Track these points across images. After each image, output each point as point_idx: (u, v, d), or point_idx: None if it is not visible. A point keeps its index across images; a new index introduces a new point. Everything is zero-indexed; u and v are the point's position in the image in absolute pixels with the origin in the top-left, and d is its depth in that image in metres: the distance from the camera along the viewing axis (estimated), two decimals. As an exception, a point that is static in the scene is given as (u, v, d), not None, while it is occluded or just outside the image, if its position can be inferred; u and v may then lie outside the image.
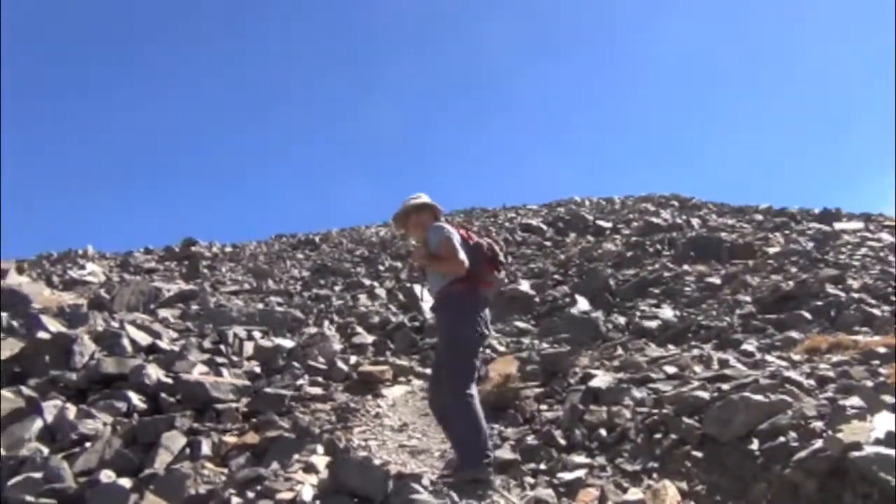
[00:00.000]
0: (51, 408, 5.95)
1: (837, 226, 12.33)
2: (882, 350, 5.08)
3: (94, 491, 4.65)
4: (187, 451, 5.27)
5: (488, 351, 7.44)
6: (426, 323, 9.31)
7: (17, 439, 5.58)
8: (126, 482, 4.74)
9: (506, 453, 4.70)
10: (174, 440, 5.33)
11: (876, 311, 6.61)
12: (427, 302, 6.93)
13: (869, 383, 4.30)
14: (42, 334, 7.52)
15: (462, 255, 4.46)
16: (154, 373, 6.51)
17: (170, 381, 6.42)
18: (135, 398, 6.16)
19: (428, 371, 7.47)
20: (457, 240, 4.52)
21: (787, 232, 12.60)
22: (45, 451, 5.39)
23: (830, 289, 7.67)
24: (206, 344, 8.01)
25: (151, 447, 5.30)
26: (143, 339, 7.81)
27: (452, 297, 4.54)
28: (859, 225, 12.26)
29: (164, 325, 9.18)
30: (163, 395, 6.22)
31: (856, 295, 7.29)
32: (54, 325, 7.99)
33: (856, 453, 3.24)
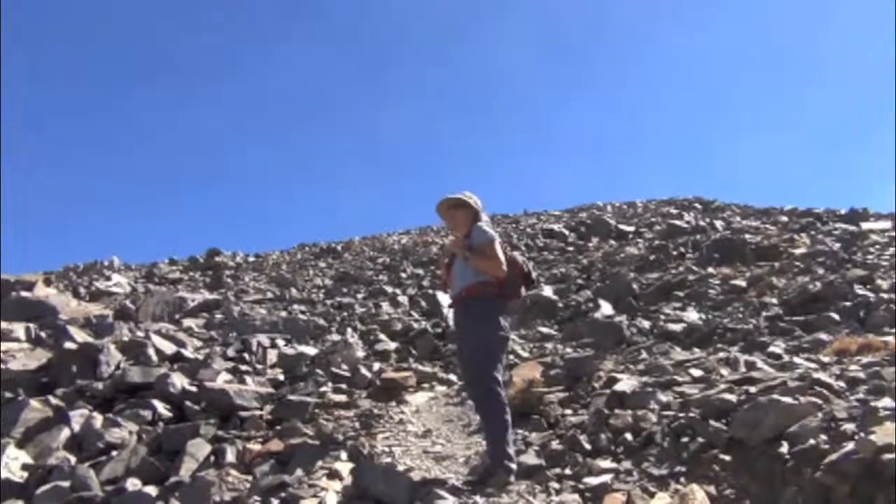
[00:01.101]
0: (78, 417, 6.03)
1: (865, 226, 12.12)
2: (914, 350, 4.97)
3: (120, 499, 4.69)
4: (212, 458, 5.30)
5: (512, 357, 7.40)
6: (449, 329, 9.29)
7: (45, 448, 5.65)
8: (152, 490, 4.78)
9: (530, 458, 4.65)
10: (199, 448, 5.37)
11: (906, 312, 6.48)
12: (447, 302, 6.94)
13: (901, 384, 4.20)
14: (69, 344, 7.63)
15: (503, 259, 4.59)
16: (179, 381, 6.57)
17: (194, 389, 6.47)
18: (160, 406, 6.22)
19: (451, 377, 7.47)
20: (499, 244, 4.65)
21: (813, 233, 12.43)
22: (73, 459, 5.45)
23: (859, 289, 7.54)
24: (230, 352, 8.07)
25: (177, 455, 5.34)
26: (168, 348, 7.89)
27: (484, 296, 4.58)
28: (887, 224, 12.04)
29: (189, 334, 9.27)
30: (188, 403, 6.27)
31: (885, 295, 7.16)
32: (81, 336, 8.11)
33: (889, 455, 3.17)
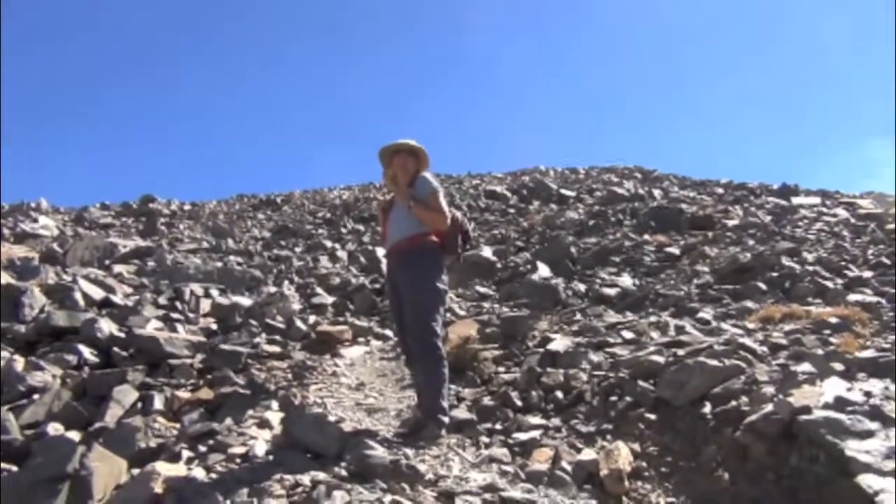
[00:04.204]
0: (-3, 359, 5.81)
1: (795, 201, 12.51)
2: (833, 320, 5.16)
3: (40, 444, 4.56)
4: (139, 405, 5.20)
5: (448, 314, 7.41)
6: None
7: (-38, 391, 5.44)
8: (75, 435, 4.66)
9: (462, 413, 4.71)
10: (126, 394, 5.25)
11: (829, 284, 6.71)
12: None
13: (820, 352, 4.37)
14: (-11, 285, 7.32)
15: (448, 212, 4.55)
16: (107, 327, 6.39)
17: (123, 335, 6.31)
18: (86, 351, 6.05)
19: (387, 332, 7.45)
20: (443, 197, 4.58)
21: (746, 205, 12.76)
22: (-9, 403, 5.26)
23: (786, 261, 7.77)
24: (162, 300, 7.88)
25: (102, 401, 5.21)
26: (97, 293, 7.65)
27: (425, 247, 4.50)
28: (816, 200, 12.45)
29: (119, 280, 9.00)
30: (115, 349, 6.11)
31: (810, 268, 7.39)
32: (3, 277, 7.78)
33: (804, 417, 3.29)
